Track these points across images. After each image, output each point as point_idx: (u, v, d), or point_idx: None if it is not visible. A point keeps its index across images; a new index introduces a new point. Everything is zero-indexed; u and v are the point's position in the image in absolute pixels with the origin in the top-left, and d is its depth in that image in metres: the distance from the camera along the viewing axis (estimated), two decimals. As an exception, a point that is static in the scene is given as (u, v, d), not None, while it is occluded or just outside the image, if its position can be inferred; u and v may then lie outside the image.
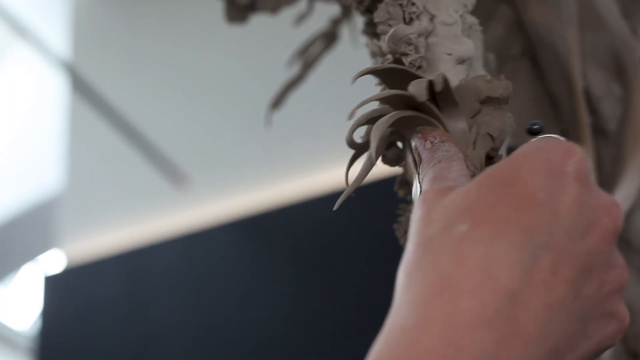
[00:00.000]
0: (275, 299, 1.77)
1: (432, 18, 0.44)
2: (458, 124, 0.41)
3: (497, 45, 0.66)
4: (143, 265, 1.98)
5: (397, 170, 0.47)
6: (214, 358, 1.81)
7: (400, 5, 0.45)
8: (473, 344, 0.28)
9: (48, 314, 2.08)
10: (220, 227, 1.92)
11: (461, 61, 0.44)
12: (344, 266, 1.71)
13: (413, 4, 0.44)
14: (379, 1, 0.47)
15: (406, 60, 0.43)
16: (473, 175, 0.38)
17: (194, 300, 1.88)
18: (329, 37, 0.75)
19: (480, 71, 0.48)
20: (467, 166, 0.37)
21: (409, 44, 0.43)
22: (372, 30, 0.50)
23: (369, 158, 0.41)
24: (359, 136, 0.43)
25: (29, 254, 2.81)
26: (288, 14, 0.75)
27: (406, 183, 0.47)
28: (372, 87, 0.47)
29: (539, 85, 0.67)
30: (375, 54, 0.45)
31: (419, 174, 0.38)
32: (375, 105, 0.42)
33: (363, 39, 0.55)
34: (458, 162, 0.37)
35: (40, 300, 2.11)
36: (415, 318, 0.30)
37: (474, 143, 0.41)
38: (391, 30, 0.43)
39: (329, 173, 1.81)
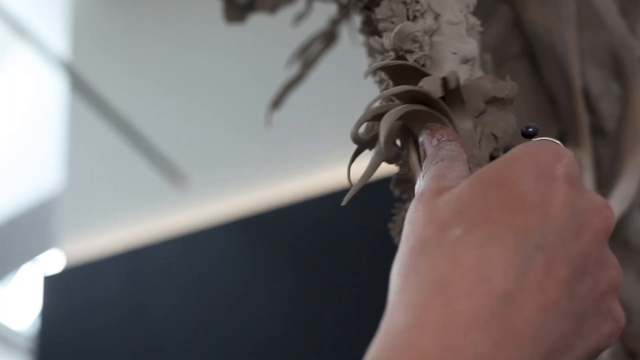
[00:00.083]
0: (274, 298, 1.77)
1: (436, 17, 0.44)
2: (465, 123, 0.41)
3: (496, 44, 0.66)
4: (142, 265, 1.98)
5: (396, 170, 0.47)
6: (214, 358, 1.81)
7: (404, 2, 0.45)
8: (469, 347, 0.28)
9: (47, 314, 2.08)
10: (219, 227, 1.92)
11: (465, 61, 0.44)
12: (343, 266, 1.71)
13: (417, 2, 0.45)
14: (380, -1, 0.47)
15: (410, 58, 0.43)
16: None
17: (193, 300, 1.88)
18: (328, 37, 0.75)
19: (478, 72, 0.48)
20: (470, 167, 0.38)
21: (415, 41, 0.43)
22: (369, 29, 0.50)
23: (377, 153, 0.41)
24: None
25: (28, 254, 2.81)
26: (287, 13, 0.75)
27: (402, 182, 0.47)
28: (372, 86, 0.47)
29: (537, 85, 0.68)
30: (376, 50, 0.45)
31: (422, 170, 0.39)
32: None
33: (362, 38, 0.55)
34: (460, 163, 0.37)
35: (39, 300, 2.11)
36: (410, 321, 0.30)
37: (479, 142, 0.41)
38: (397, 27, 0.43)
39: (328, 173, 1.81)
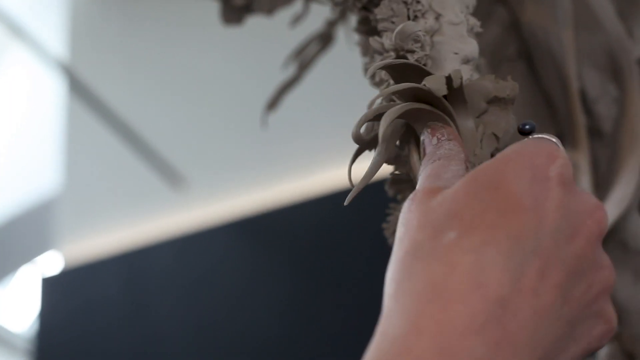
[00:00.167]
0: (273, 299, 1.77)
1: (437, 17, 0.44)
2: (467, 123, 0.41)
3: (493, 46, 0.66)
4: (141, 267, 1.98)
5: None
6: (212, 359, 1.81)
7: (405, 2, 0.45)
8: (464, 352, 0.28)
9: (45, 316, 2.08)
10: (217, 228, 1.92)
11: (467, 61, 0.44)
12: (341, 267, 1.71)
13: (418, 2, 0.45)
14: (380, -1, 0.47)
15: (412, 58, 0.43)
16: None
17: (191, 302, 1.87)
18: (325, 39, 0.75)
19: (474, 75, 0.48)
20: (467, 167, 0.37)
21: (417, 41, 0.43)
22: (365, 28, 0.50)
23: (378, 153, 0.41)
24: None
25: (27, 256, 2.81)
26: (284, 15, 0.75)
27: (397, 182, 0.47)
28: (369, 87, 0.47)
29: (534, 86, 0.67)
30: (376, 50, 0.45)
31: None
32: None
33: (357, 38, 0.55)
34: (457, 162, 0.37)
35: (37, 302, 2.11)
36: (406, 326, 0.30)
37: (480, 142, 0.41)
38: (399, 27, 0.43)
39: (325, 174, 1.81)
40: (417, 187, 0.36)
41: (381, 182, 0.49)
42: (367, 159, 0.42)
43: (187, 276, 1.91)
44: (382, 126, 0.38)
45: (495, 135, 0.41)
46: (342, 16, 0.73)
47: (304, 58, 0.75)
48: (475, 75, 0.46)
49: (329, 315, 1.68)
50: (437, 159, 0.37)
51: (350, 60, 0.71)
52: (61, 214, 2.25)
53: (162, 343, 1.87)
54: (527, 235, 0.31)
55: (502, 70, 0.67)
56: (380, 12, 0.45)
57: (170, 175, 2.09)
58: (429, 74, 0.41)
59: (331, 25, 0.74)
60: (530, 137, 0.38)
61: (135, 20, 2.33)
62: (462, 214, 0.32)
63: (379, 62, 0.42)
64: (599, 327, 0.34)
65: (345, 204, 0.41)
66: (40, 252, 2.68)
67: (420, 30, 0.43)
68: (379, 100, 0.42)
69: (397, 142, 0.44)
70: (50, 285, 2.12)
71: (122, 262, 2.01)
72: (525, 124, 0.40)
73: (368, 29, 0.50)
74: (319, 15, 0.75)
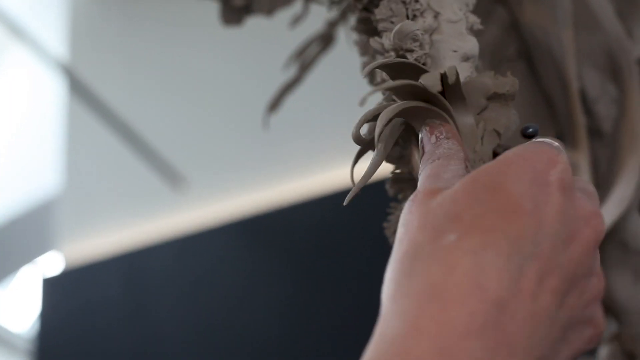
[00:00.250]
0: (272, 300, 1.77)
1: (436, 15, 0.44)
2: (466, 119, 0.41)
3: (493, 46, 0.66)
4: (141, 267, 1.98)
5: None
6: (212, 359, 1.80)
7: (404, 2, 0.45)
8: (463, 353, 0.29)
9: (46, 316, 2.08)
10: (217, 228, 1.92)
11: (466, 58, 0.44)
12: (341, 268, 1.71)
13: (417, 1, 0.45)
14: (380, -1, 0.47)
15: (411, 57, 0.43)
16: None
17: (191, 302, 1.87)
18: (325, 39, 0.75)
19: (475, 73, 0.48)
20: (467, 166, 0.37)
21: (415, 40, 0.43)
22: (365, 28, 0.50)
23: (377, 152, 0.41)
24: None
25: (27, 256, 2.81)
26: (284, 16, 0.75)
27: (398, 181, 0.47)
28: (370, 88, 0.47)
29: (534, 87, 0.67)
30: (376, 51, 0.45)
31: None
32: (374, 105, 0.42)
33: (355, 37, 0.55)
34: (456, 162, 0.37)
35: (38, 302, 2.11)
36: (405, 328, 0.30)
37: (481, 139, 0.41)
38: (397, 26, 0.43)
39: (325, 174, 1.81)
40: (418, 187, 0.36)
41: (381, 182, 0.49)
42: (368, 159, 0.42)
43: (187, 276, 1.91)
44: (379, 126, 0.38)
45: (496, 131, 0.41)
46: (342, 17, 0.73)
47: (305, 59, 0.75)
48: (475, 74, 0.46)
49: (329, 315, 1.68)
50: (436, 159, 0.37)
51: (350, 61, 0.71)
52: (61, 214, 2.25)
53: (162, 343, 1.87)
54: (527, 238, 0.32)
55: (501, 71, 0.67)
56: (379, 12, 0.45)
57: (170, 175, 2.09)
58: (426, 72, 0.41)
59: (331, 26, 0.74)
60: (533, 140, 0.38)
61: (135, 20, 2.33)
62: (462, 215, 0.32)
63: (375, 62, 0.42)
64: (588, 331, 0.35)
65: (344, 203, 0.41)
66: (41, 253, 2.68)
67: (418, 29, 0.43)
68: (380, 102, 0.42)
69: (400, 142, 0.45)
70: (51, 286, 2.12)
71: (122, 263, 2.01)
72: (528, 127, 0.40)
73: (367, 28, 0.50)
74: (319, 16, 0.75)
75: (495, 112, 0.42)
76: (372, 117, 0.41)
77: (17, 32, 2.11)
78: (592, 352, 0.70)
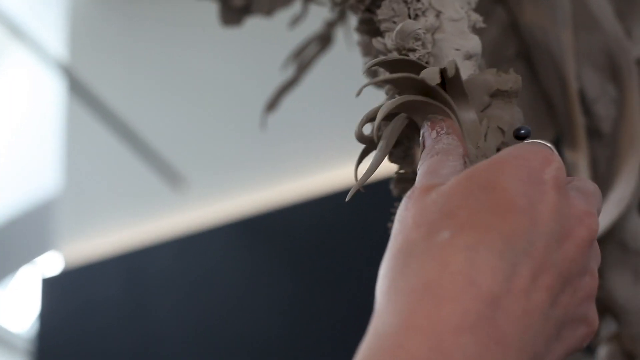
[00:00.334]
0: (273, 299, 1.77)
1: (438, 14, 0.44)
2: (469, 115, 0.41)
3: (492, 46, 0.66)
4: (141, 267, 1.98)
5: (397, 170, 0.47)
6: (212, 359, 1.81)
7: (405, 2, 0.45)
8: (456, 350, 0.29)
9: (46, 316, 2.08)
10: (217, 228, 1.92)
11: (469, 56, 0.44)
12: (341, 267, 1.71)
13: (418, 0, 0.45)
14: (381, -1, 0.47)
15: (413, 56, 0.43)
16: None
17: (191, 302, 1.88)
18: (324, 40, 0.75)
19: (477, 71, 0.48)
20: (465, 162, 0.37)
21: (417, 39, 0.43)
22: (367, 28, 0.50)
23: (379, 150, 0.41)
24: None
25: (27, 256, 2.81)
26: (283, 16, 0.75)
27: (402, 181, 0.47)
28: (369, 89, 0.47)
29: (533, 87, 0.67)
30: (379, 51, 0.45)
31: None
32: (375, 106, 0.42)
33: (357, 38, 0.55)
34: (455, 157, 0.37)
35: (37, 302, 2.11)
36: (398, 324, 0.30)
37: (485, 136, 0.41)
38: (399, 26, 0.43)
39: (325, 174, 1.81)
40: (415, 184, 0.36)
41: (381, 182, 0.49)
42: (371, 158, 0.42)
43: (187, 276, 1.91)
44: (378, 118, 0.38)
45: (500, 129, 0.41)
46: (341, 17, 0.73)
47: (303, 59, 0.75)
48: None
49: (329, 315, 1.68)
50: (434, 154, 0.37)
51: (349, 61, 0.71)
52: (61, 214, 2.25)
53: (162, 343, 1.87)
54: (521, 236, 0.32)
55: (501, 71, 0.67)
56: (381, 12, 0.45)
57: (170, 175, 2.09)
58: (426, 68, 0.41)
59: (330, 26, 0.74)
60: (525, 141, 0.38)
61: (135, 20, 2.33)
62: (456, 212, 0.32)
63: (375, 59, 0.42)
64: (581, 329, 0.35)
65: (346, 200, 0.41)
66: (41, 253, 2.68)
67: (420, 29, 0.43)
68: (380, 102, 0.42)
69: (406, 141, 0.45)
70: (51, 286, 2.12)
71: (122, 263, 2.01)
72: (520, 129, 0.40)
73: (369, 29, 0.50)
74: (318, 17, 0.75)
75: (498, 109, 0.42)
76: (374, 116, 0.41)
77: (17, 32, 2.11)
78: (592, 352, 0.70)
